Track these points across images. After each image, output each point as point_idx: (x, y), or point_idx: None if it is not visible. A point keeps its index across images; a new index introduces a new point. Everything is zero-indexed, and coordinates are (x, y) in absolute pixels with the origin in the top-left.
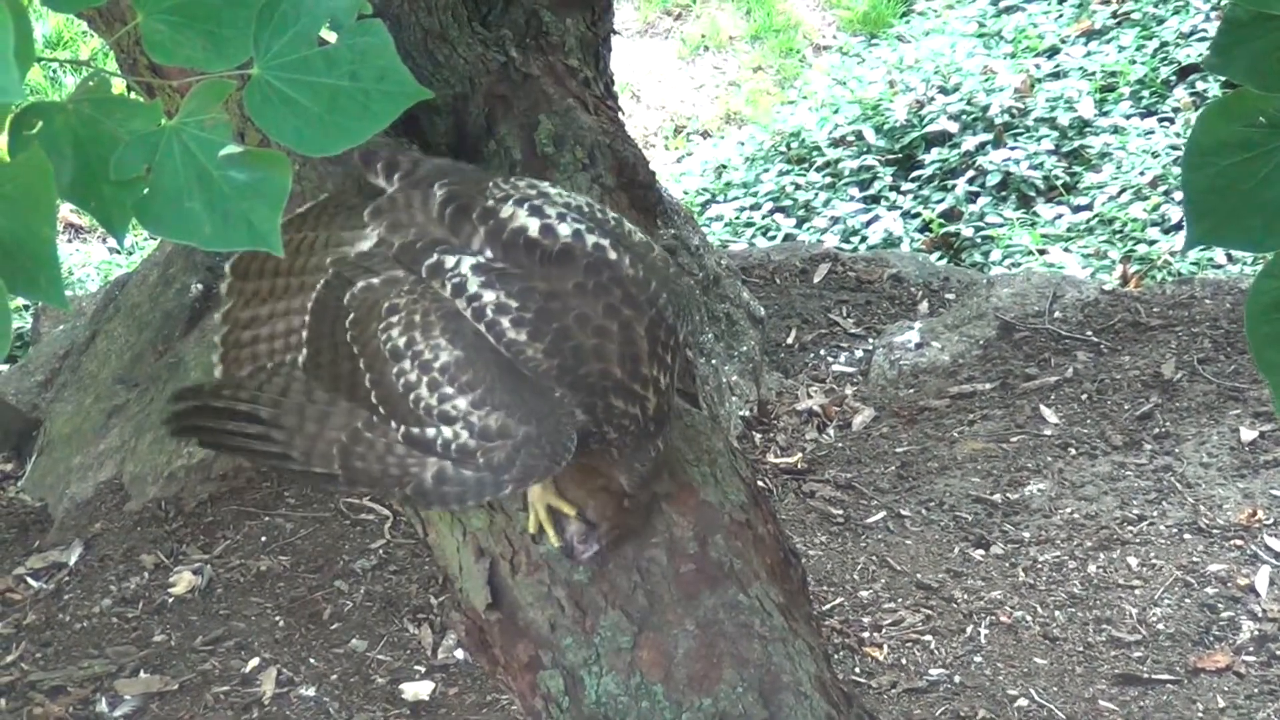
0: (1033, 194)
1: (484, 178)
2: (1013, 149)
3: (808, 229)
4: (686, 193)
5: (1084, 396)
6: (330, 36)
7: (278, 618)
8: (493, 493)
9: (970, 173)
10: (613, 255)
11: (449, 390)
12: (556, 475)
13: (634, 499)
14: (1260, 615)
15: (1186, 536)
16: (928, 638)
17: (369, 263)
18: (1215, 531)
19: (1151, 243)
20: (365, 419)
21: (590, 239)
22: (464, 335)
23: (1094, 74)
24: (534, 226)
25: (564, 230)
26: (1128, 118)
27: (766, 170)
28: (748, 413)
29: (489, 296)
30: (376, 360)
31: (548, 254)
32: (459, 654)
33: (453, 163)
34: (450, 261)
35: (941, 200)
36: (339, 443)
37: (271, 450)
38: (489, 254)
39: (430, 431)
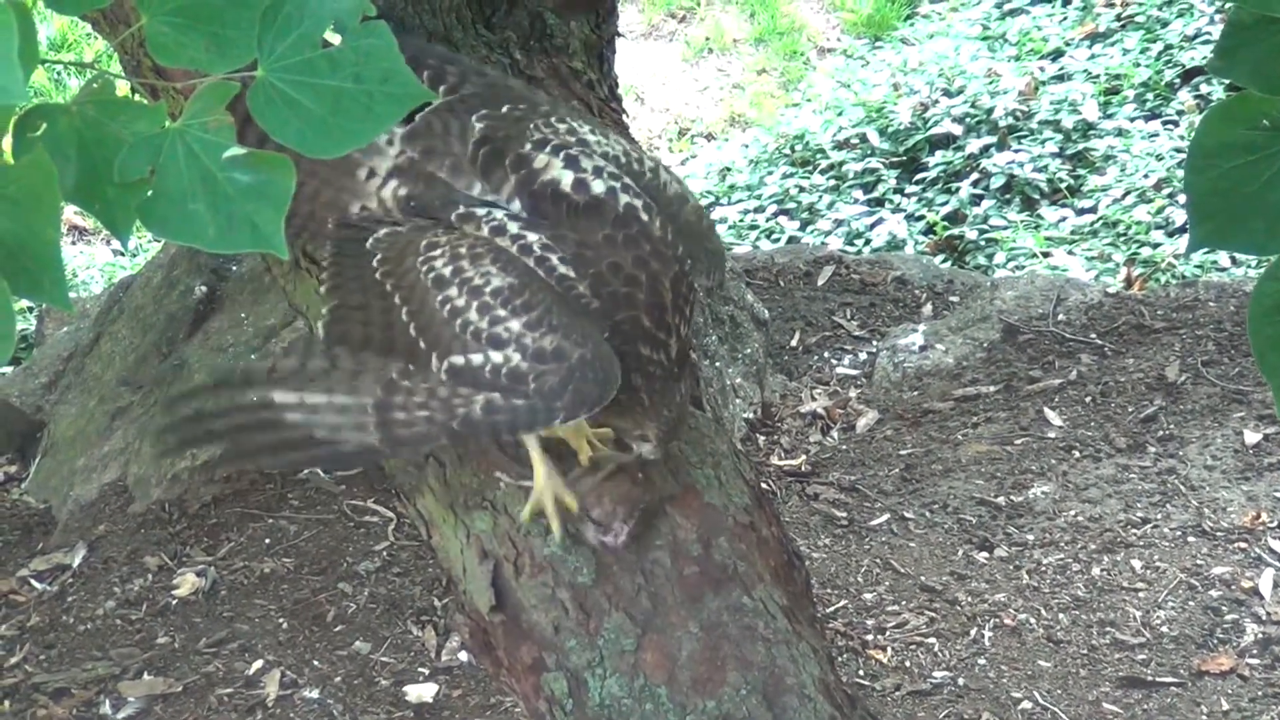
0: (1037, 196)
1: (528, 113)
2: (1017, 151)
3: (812, 231)
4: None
5: (1088, 399)
6: (334, 39)
7: (281, 620)
8: (545, 421)
9: (974, 175)
10: (644, 216)
11: (501, 313)
12: (567, 474)
13: (661, 449)
14: (1264, 618)
15: (1190, 539)
16: (931, 640)
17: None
18: (1219, 534)
19: (1155, 245)
20: (400, 368)
21: (623, 199)
22: (516, 265)
23: (1098, 76)
24: (567, 180)
25: (597, 186)
26: (1132, 120)
27: (770, 173)
28: (752, 415)
29: (533, 236)
30: (415, 291)
31: (575, 207)
32: (463, 656)
33: (502, 80)
34: (481, 211)
35: (945, 203)
36: (375, 400)
37: (290, 437)
38: (516, 205)
39: (477, 358)
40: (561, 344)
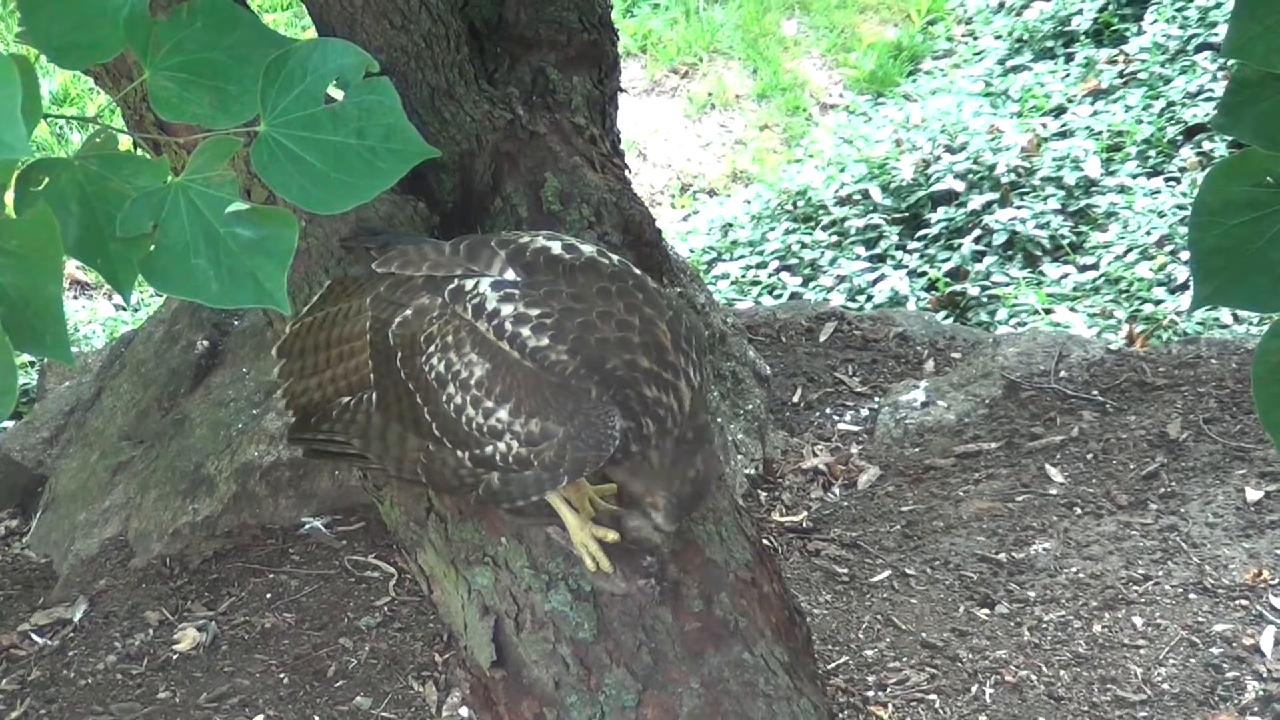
0: (1039, 253)
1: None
2: (1019, 208)
3: (814, 287)
4: (693, 251)
5: (1089, 456)
6: (337, 94)
7: (282, 675)
8: (552, 485)
9: (976, 232)
10: (636, 272)
11: (489, 404)
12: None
13: (671, 523)
14: (1265, 675)
15: (1192, 596)
16: (933, 697)
17: (394, 295)
18: (1220, 591)
19: (1158, 302)
20: (435, 445)
21: (614, 256)
22: (489, 349)
23: (1100, 133)
24: (556, 247)
25: (587, 249)
26: (1134, 177)
27: (773, 229)
28: (753, 471)
29: (507, 310)
30: (429, 392)
31: (570, 266)
32: (464, 712)
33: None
34: (469, 284)
35: (948, 259)
36: (420, 462)
37: (372, 466)
38: (510, 275)
39: (489, 449)
40: (545, 425)
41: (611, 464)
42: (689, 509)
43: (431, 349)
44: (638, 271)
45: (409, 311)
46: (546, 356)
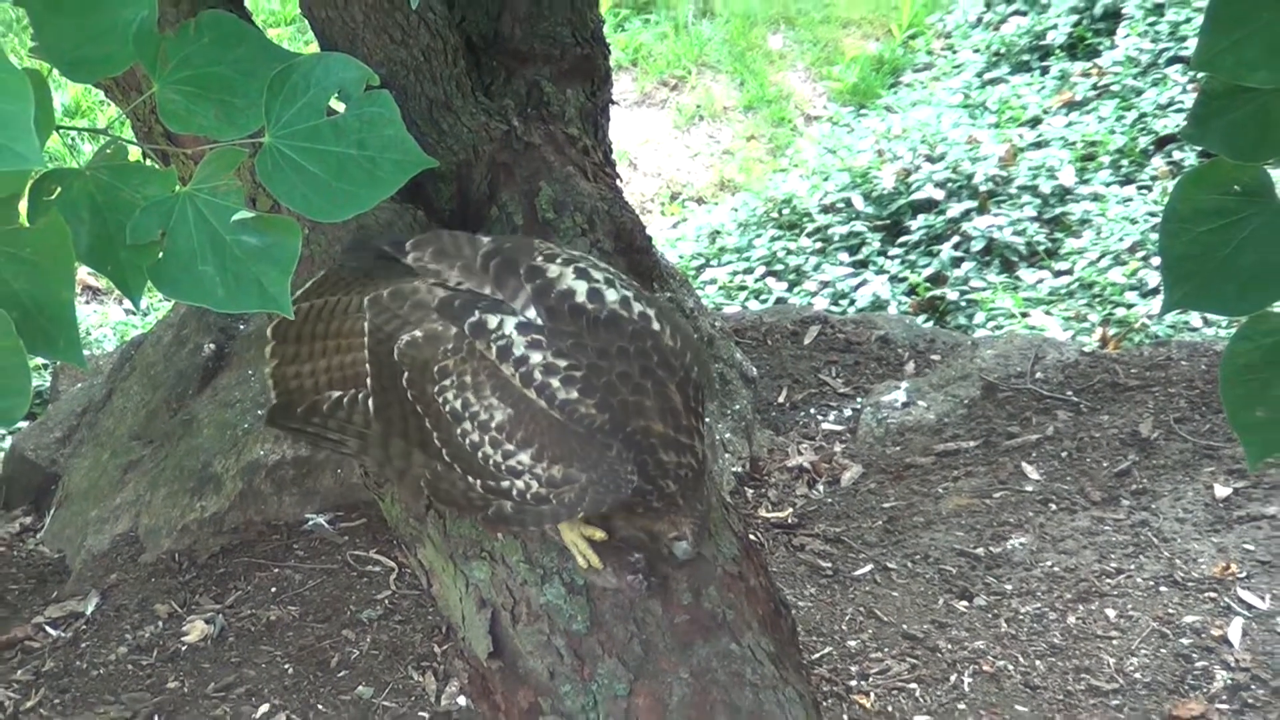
0: (1015, 259)
1: (528, 240)
2: (996, 216)
3: (799, 292)
4: (682, 257)
5: (1064, 454)
6: (339, 107)
7: (287, 665)
8: (567, 517)
9: (955, 238)
10: (656, 326)
11: (510, 447)
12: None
13: (696, 547)
14: (1233, 665)
15: (1163, 589)
16: (913, 686)
17: (399, 307)
18: (1190, 584)
19: (1130, 306)
20: (444, 468)
21: (637, 307)
22: (512, 395)
23: (1075, 143)
24: (581, 290)
25: (611, 296)
26: (1107, 186)
27: (759, 235)
28: (740, 469)
29: (536, 358)
30: (441, 421)
31: (594, 319)
32: (462, 701)
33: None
34: (493, 322)
35: (927, 265)
36: (424, 478)
37: (369, 467)
38: (532, 313)
39: (505, 483)
40: (568, 470)
41: (638, 515)
42: (706, 530)
43: (447, 383)
44: (656, 326)
45: (419, 333)
46: (576, 410)
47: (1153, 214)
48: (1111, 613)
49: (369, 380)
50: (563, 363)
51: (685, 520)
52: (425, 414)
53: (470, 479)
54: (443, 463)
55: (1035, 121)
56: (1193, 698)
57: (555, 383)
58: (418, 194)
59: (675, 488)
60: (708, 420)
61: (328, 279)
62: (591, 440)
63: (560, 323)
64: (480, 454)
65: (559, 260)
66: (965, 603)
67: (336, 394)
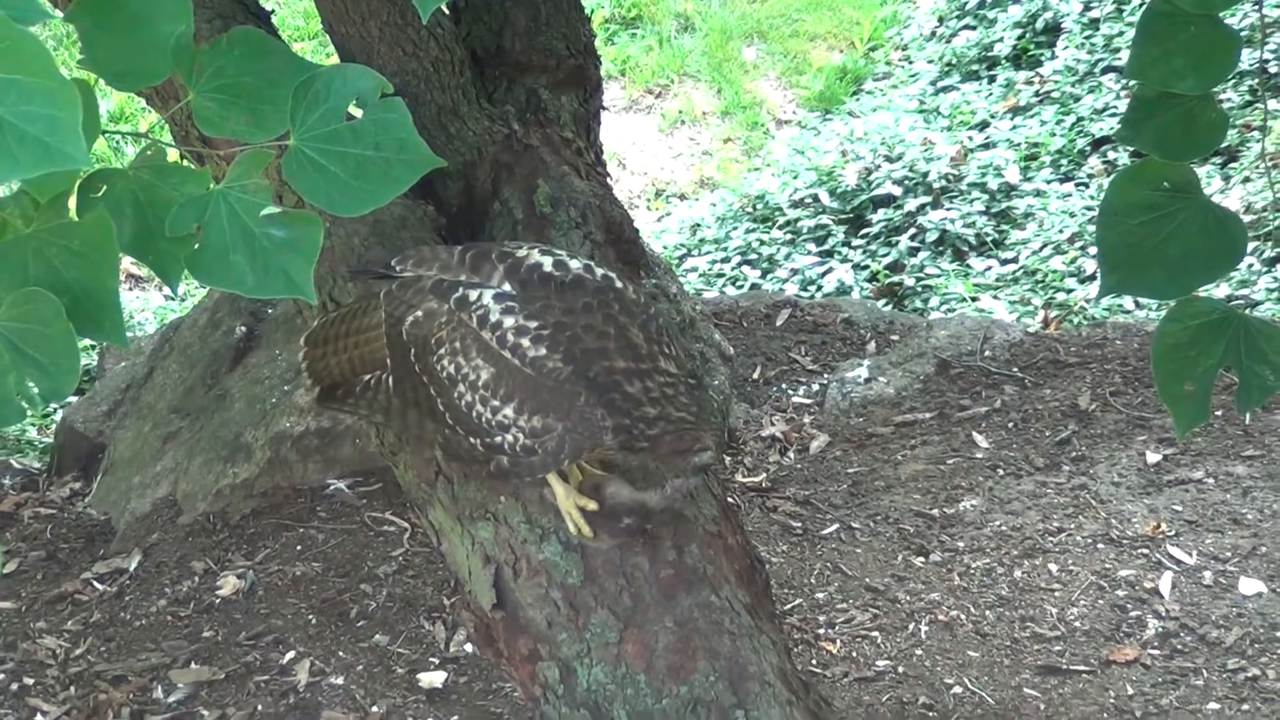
0: (966, 249)
1: (500, 242)
2: (949, 210)
3: (771, 279)
4: (666, 247)
5: (1010, 424)
6: (357, 113)
7: (311, 616)
8: (555, 464)
9: (912, 230)
10: (619, 285)
11: (496, 403)
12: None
13: (718, 454)
14: (1164, 615)
15: (1100, 546)
16: (875, 634)
17: (405, 294)
18: (1125, 542)
19: (1069, 291)
20: (450, 432)
21: (599, 271)
22: (493, 356)
23: (1019, 145)
24: (548, 262)
25: (575, 265)
26: (1048, 183)
27: (735, 228)
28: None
29: (509, 322)
30: (443, 388)
31: (561, 283)
32: (468, 648)
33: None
34: (473, 295)
35: (887, 254)
36: (438, 442)
37: (395, 436)
38: (507, 287)
39: (498, 439)
40: (546, 420)
41: (634, 452)
42: (721, 439)
43: (442, 351)
44: (619, 284)
45: (419, 313)
46: (544, 365)
47: (1090, 208)
48: (1054, 567)
49: (388, 361)
50: (533, 324)
51: (705, 434)
52: (430, 384)
53: (472, 439)
54: (448, 427)
55: (984, 125)
56: (1127, 644)
57: (526, 342)
58: (428, 191)
59: (655, 412)
60: (679, 352)
61: (354, 303)
62: (561, 391)
63: (530, 290)
64: (474, 413)
65: (525, 246)
66: (922, 559)
67: (366, 377)
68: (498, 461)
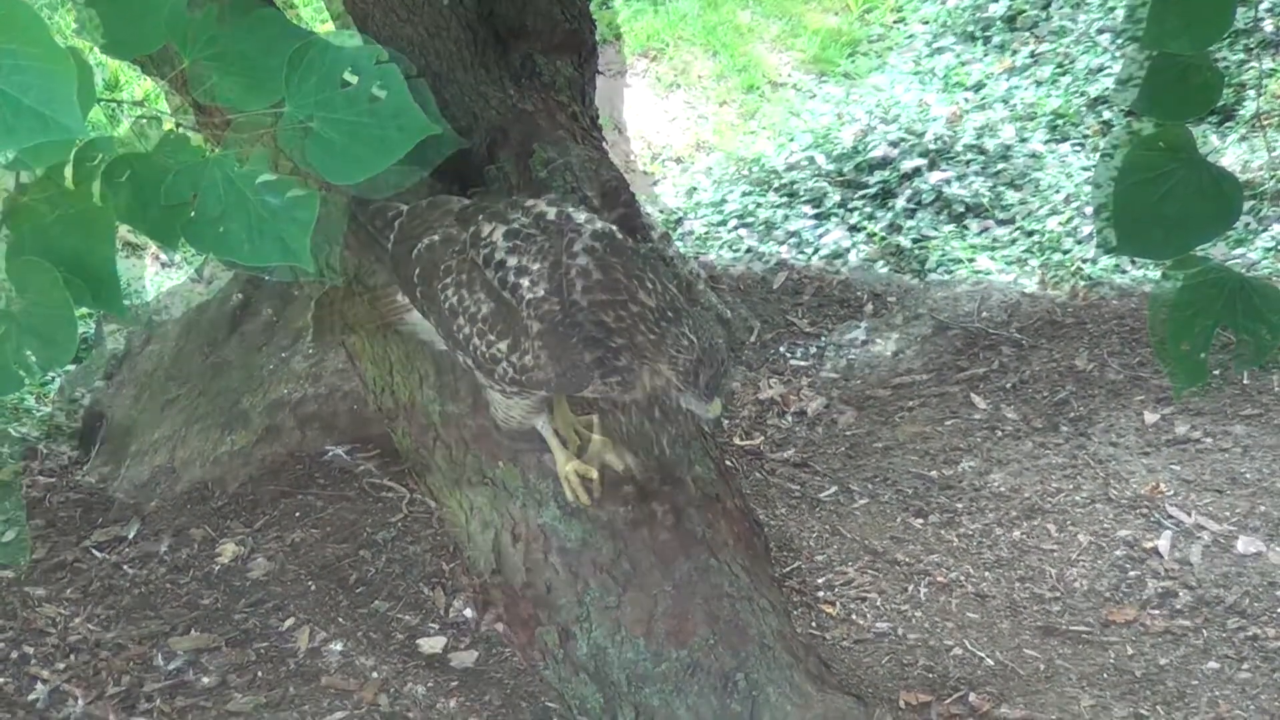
0: (962, 211)
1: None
2: (945, 172)
3: (767, 242)
4: (662, 211)
5: (1008, 385)
6: (352, 80)
7: (310, 583)
8: (548, 390)
9: (908, 192)
10: (619, 235)
11: (491, 337)
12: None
13: (694, 389)
14: (1162, 574)
15: (1098, 506)
16: (874, 595)
17: (432, 214)
18: (1123, 502)
19: (1065, 252)
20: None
21: (598, 222)
22: (493, 294)
23: (1015, 106)
24: (552, 213)
25: (580, 216)
26: (1044, 144)
27: (731, 191)
28: None
29: (511, 262)
30: (443, 317)
31: (560, 230)
32: (468, 613)
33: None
34: (486, 229)
35: (883, 217)
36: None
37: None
38: (516, 227)
39: (490, 366)
40: (537, 358)
41: (620, 387)
42: (710, 373)
43: (449, 280)
44: (618, 235)
45: (436, 237)
46: (540, 306)
47: (1085, 169)
48: (1052, 528)
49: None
50: (535, 265)
51: (661, 364)
52: (431, 309)
53: (465, 359)
54: (445, 347)
55: (979, 86)
56: (1126, 604)
57: (525, 283)
58: (422, 156)
59: (622, 342)
60: (661, 286)
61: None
62: (551, 332)
63: (537, 231)
64: (471, 344)
65: (533, 199)
66: (920, 520)
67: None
68: (489, 395)
